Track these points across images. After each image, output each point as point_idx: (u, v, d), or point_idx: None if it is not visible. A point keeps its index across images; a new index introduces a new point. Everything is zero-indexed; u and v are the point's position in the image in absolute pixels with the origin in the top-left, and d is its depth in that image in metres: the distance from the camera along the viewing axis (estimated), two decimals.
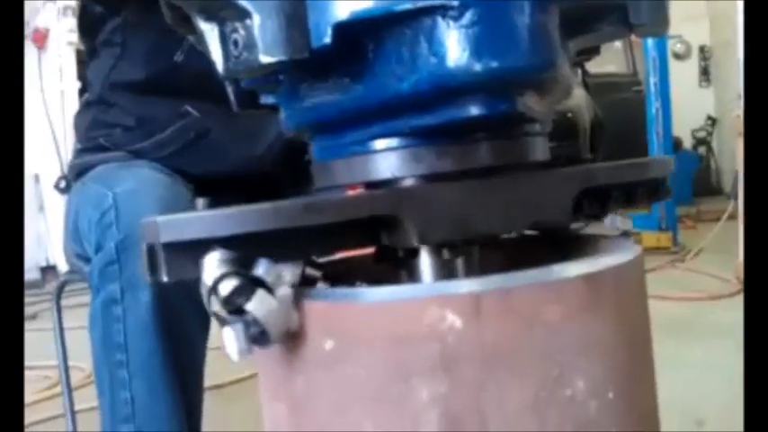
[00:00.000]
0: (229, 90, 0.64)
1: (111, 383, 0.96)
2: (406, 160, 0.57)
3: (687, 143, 7.62)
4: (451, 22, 0.49)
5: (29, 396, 2.33)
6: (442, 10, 0.49)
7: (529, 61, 0.51)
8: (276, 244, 0.51)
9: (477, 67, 0.50)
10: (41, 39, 4.94)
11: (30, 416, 2.13)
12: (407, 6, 0.49)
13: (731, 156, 6.07)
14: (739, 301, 2.75)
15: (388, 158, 0.57)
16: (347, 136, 0.58)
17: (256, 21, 0.49)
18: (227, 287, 0.48)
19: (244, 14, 0.49)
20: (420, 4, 0.49)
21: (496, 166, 0.58)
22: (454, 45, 0.50)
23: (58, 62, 4.52)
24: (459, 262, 0.61)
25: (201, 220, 0.51)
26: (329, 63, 0.53)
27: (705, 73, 8.01)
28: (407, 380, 0.50)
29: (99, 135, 1.20)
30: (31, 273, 4.80)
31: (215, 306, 0.48)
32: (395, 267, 0.63)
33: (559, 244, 0.68)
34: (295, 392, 0.55)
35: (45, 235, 4.85)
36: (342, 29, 0.50)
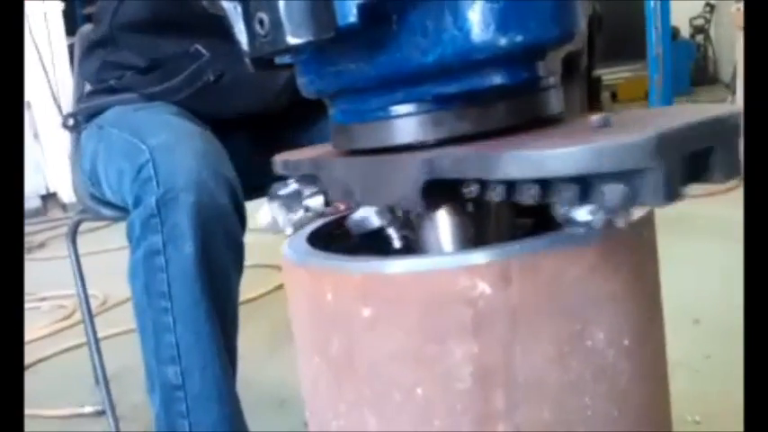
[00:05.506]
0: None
1: (155, 328, 0.98)
2: (428, 124, 0.58)
3: (684, 32, 7.46)
4: None
5: (47, 327, 2.37)
6: None
7: (554, 33, 0.51)
8: None
9: (503, 41, 0.50)
10: None
11: (51, 346, 2.17)
12: None
13: (729, 44, 5.95)
14: (737, 196, 2.77)
15: (409, 123, 0.58)
16: (368, 102, 0.59)
17: (282, 1, 0.49)
18: None
19: None
20: None
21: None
22: (479, 20, 0.50)
23: None
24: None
25: None
26: (353, 36, 0.53)
27: None
28: (442, 342, 0.54)
29: (110, 77, 1.19)
30: (32, 201, 4.74)
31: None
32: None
33: None
34: (334, 351, 0.59)
35: (42, 162, 4.78)
36: (367, 7, 0.50)
